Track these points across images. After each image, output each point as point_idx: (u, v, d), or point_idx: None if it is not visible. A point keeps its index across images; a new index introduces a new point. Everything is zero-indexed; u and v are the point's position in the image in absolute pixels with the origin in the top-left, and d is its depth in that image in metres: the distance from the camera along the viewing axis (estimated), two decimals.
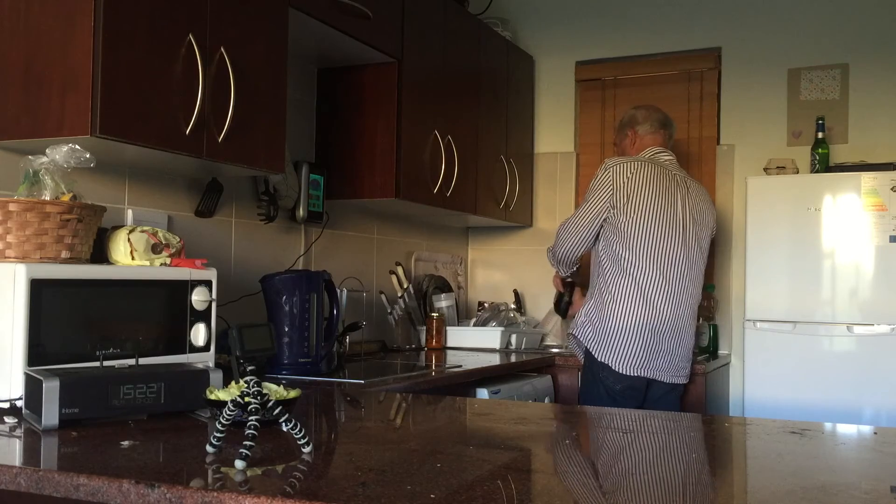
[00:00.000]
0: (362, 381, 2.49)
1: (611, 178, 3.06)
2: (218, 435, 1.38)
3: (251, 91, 2.37)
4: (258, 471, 1.28)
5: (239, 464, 1.27)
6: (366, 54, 3.07)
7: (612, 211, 3.05)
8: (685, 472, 1.42)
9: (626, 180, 3.05)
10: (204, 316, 2.07)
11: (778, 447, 1.58)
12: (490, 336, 3.72)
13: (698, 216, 3.16)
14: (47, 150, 1.85)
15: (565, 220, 3.22)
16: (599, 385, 3.04)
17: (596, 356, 3.04)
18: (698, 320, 3.90)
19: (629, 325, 3.01)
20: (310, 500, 1.10)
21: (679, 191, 3.12)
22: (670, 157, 3.24)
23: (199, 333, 2.06)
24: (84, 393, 1.59)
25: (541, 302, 4.30)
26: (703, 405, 3.33)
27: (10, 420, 1.63)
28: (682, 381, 3.15)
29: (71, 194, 1.88)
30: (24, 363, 1.68)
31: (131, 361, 1.74)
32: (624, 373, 3.00)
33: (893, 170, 3.43)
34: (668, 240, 3.05)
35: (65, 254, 1.82)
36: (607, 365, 3.01)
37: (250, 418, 1.35)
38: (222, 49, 2.26)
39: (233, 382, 1.54)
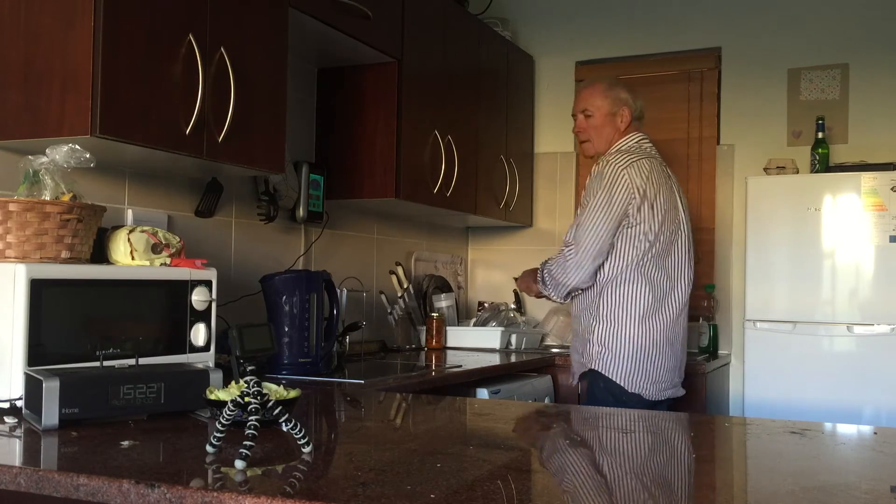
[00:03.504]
0: (362, 381, 2.49)
1: (628, 182, 2.66)
2: (218, 435, 1.38)
3: (251, 91, 2.37)
4: (258, 471, 1.28)
5: (239, 464, 1.27)
6: (366, 54, 3.07)
7: (630, 219, 2.68)
8: (685, 471, 1.42)
9: (642, 183, 2.68)
10: (204, 316, 2.07)
11: (778, 447, 1.58)
12: (490, 336, 3.72)
13: (687, 211, 2.89)
14: (47, 150, 1.85)
15: (569, 251, 2.71)
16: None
17: (625, 386, 2.69)
18: (698, 321, 3.92)
19: (654, 343, 2.70)
20: (310, 500, 1.10)
21: (673, 185, 2.84)
22: (651, 144, 2.88)
23: (199, 333, 2.06)
24: (84, 393, 1.58)
25: (541, 302, 4.30)
26: (703, 405, 3.33)
27: (10, 420, 1.63)
28: (682, 392, 2.86)
29: (71, 194, 1.88)
30: (24, 363, 1.68)
31: (131, 361, 1.74)
32: (654, 399, 2.71)
33: (893, 170, 3.43)
34: (676, 242, 2.78)
35: (65, 254, 1.82)
36: (638, 395, 2.69)
37: (250, 418, 1.35)
38: (222, 49, 2.26)
39: (233, 382, 1.54)
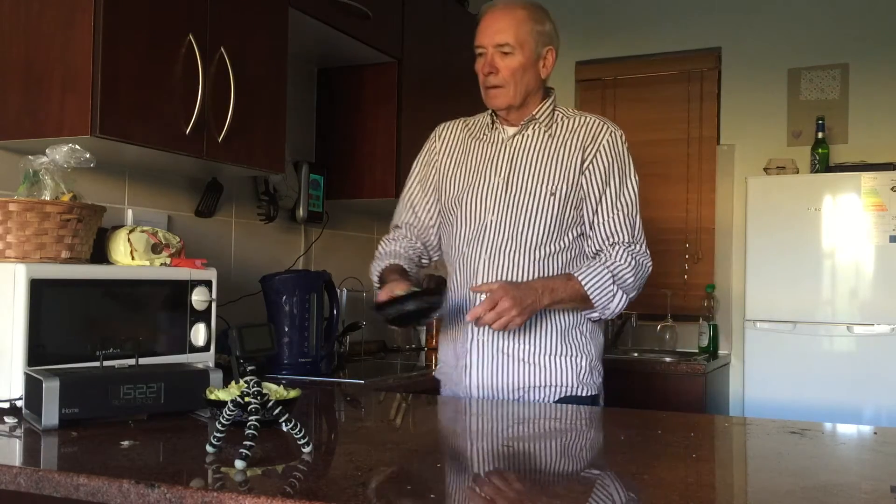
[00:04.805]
0: (362, 381, 2.49)
1: None
2: (218, 435, 1.38)
3: (251, 91, 2.37)
4: (258, 471, 1.28)
5: (239, 464, 1.26)
6: (366, 54, 3.07)
7: None
8: (685, 471, 1.42)
9: None
10: (204, 316, 2.07)
11: (778, 447, 1.58)
12: None
13: None
14: (47, 150, 1.85)
15: (641, 250, 2.04)
16: None
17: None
18: (698, 321, 3.92)
19: None
20: (310, 500, 1.10)
21: None
22: None
23: (199, 333, 2.06)
24: (84, 393, 1.58)
25: None
26: (703, 405, 3.33)
27: (10, 420, 1.63)
28: None
29: (71, 194, 1.88)
30: (24, 363, 1.68)
31: (131, 361, 1.74)
32: None
33: (893, 170, 3.44)
34: None
35: (65, 254, 1.82)
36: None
37: (250, 418, 1.35)
38: (222, 49, 2.26)
39: (233, 382, 1.54)
